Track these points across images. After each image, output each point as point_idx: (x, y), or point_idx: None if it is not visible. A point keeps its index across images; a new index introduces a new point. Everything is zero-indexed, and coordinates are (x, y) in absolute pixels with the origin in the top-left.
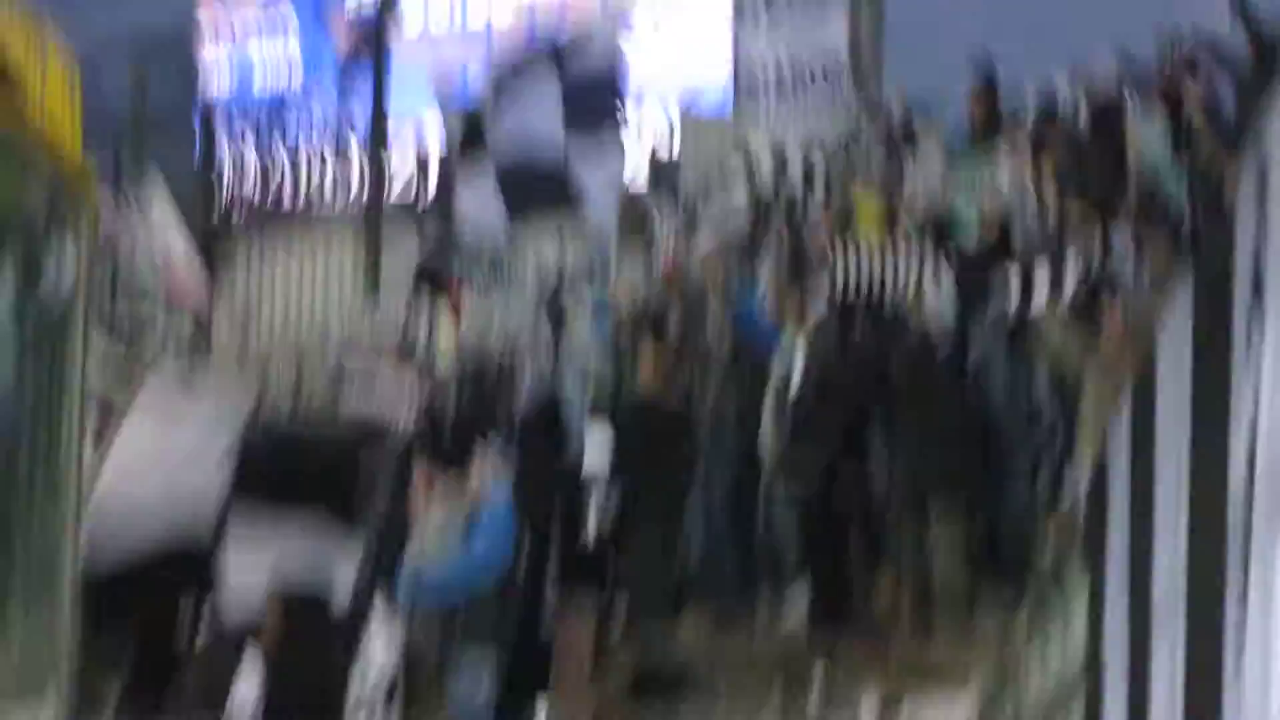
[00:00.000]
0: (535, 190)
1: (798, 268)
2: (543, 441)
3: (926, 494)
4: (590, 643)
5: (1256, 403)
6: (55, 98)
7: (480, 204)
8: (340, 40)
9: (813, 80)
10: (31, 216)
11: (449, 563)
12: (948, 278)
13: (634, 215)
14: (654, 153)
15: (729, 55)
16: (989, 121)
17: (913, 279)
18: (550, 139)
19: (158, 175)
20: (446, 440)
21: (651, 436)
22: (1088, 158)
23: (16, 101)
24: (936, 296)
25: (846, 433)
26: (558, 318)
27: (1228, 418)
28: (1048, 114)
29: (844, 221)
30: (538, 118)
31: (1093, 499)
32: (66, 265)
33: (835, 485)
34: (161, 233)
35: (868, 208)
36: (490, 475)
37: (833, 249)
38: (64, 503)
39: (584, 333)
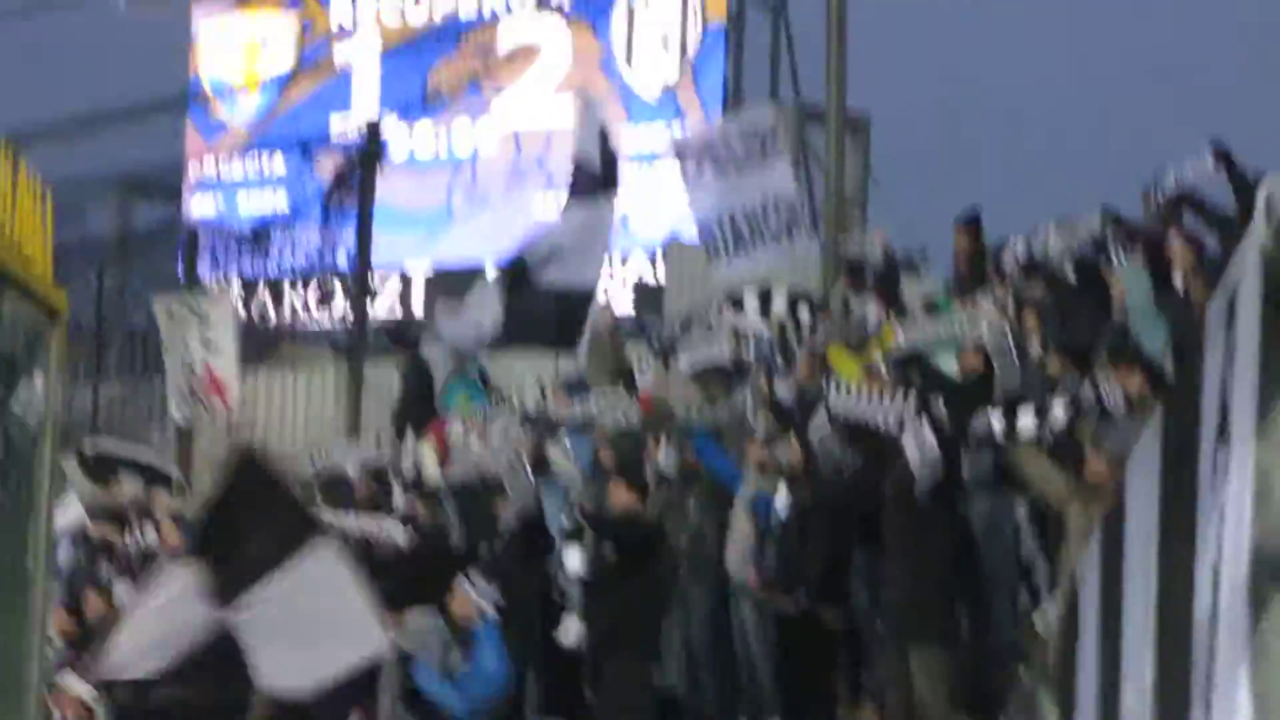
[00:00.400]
0: (546, 324)
1: (776, 414)
2: (525, 562)
3: (909, 623)
4: None
5: (1220, 533)
6: (26, 227)
7: (467, 329)
8: (325, 166)
9: (769, 230)
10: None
11: (443, 690)
12: (930, 414)
13: (613, 339)
14: (639, 279)
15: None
16: (973, 260)
17: (893, 418)
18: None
19: (227, 290)
20: (431, 566)
21: (628, 551)
22: (1071, 308)
23: None
24: (919, 433)
25: (830, 562)
26: (539, 442)
27: (1193, 546)
28: (1033, 264)
29: (823, 366)
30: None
31: (1064, 626)
32: (35, 392)
33: (817, 611)
34: (218, 335)
35: (845, 363)
36: (480, 602)
37: (816, 383)
38: (28, 618)
39: (566, 456)
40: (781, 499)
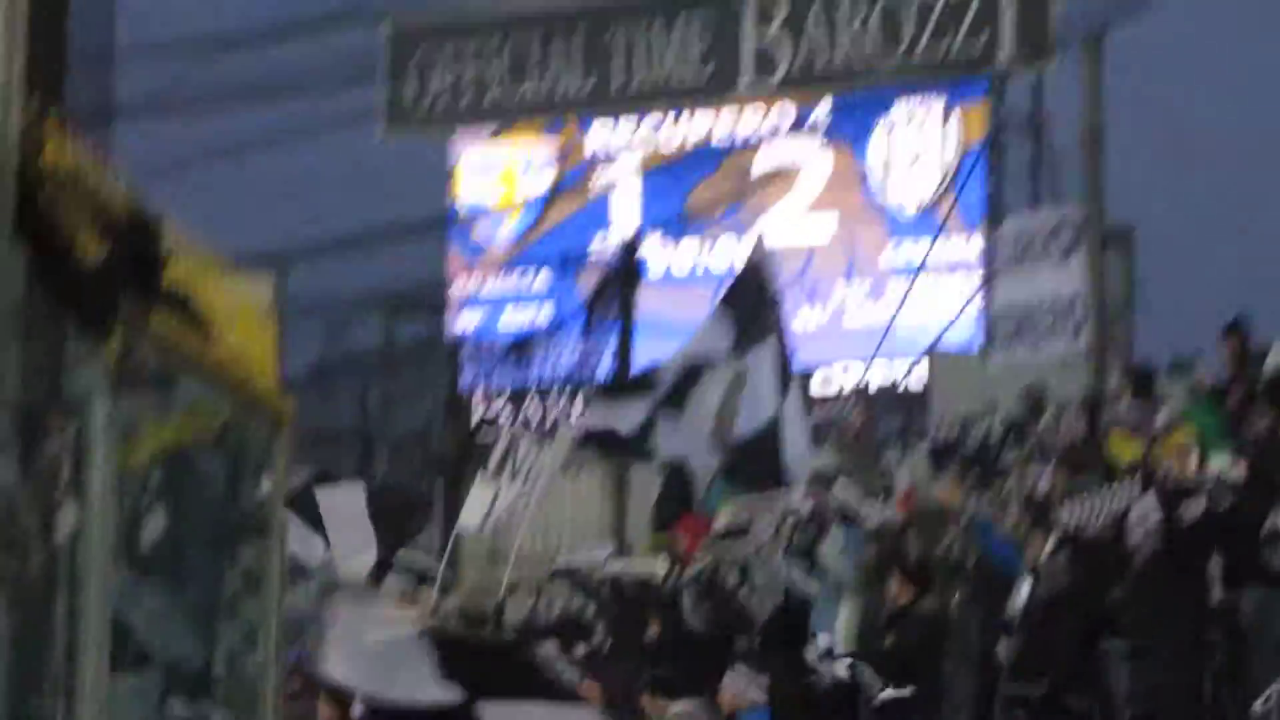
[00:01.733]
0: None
1: (1036, 506)
2: (789, 651)
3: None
4: None
5: None
6: (249, 341)
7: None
8: (586, 280)
9: (1055, 329)
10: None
11: None
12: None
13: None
14: (903, 385)
15: (978, 301)
16: (1239, 364)
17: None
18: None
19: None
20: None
21: (912, 646)
22: None
23: (203, 341)
24: (1143, 506)
25: (1078, 649)
26: (805, 534)
27: None
28: None
29: (1078, 464)
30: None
31: None
32: (264, 495)
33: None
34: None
35: (1126, 447)
36: (749, 692)
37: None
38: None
39: (835, 550)
40: (1026, 586)
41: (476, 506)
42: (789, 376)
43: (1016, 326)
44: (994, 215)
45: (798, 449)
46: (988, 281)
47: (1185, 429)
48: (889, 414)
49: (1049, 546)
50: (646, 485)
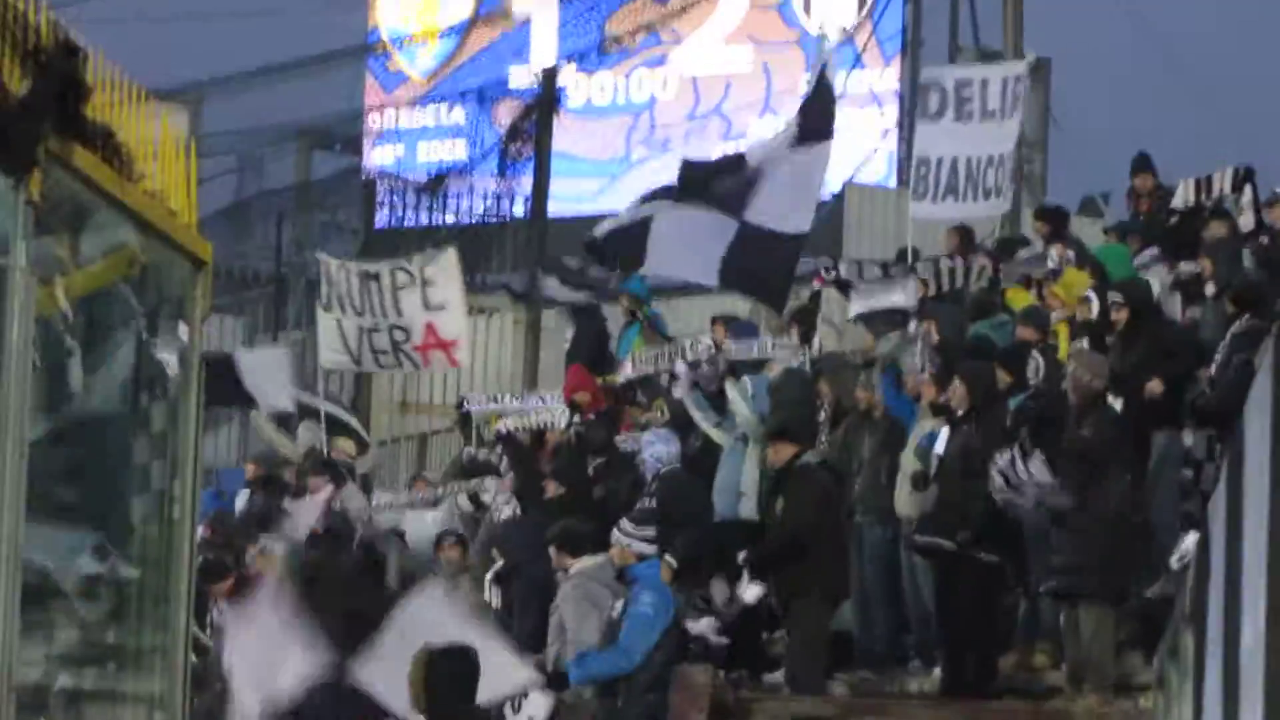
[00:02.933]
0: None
1: (944, 356)
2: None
3: (1077, 585)
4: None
5: None
6: (170, 180)
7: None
8: (502, 115)
9: (984, 188)
10: (140, 288)
11: (605, 658)
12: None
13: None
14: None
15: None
16: (1151, 201)
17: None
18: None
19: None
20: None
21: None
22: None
23: (129, 178)
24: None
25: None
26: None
27: None
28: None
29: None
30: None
31: (1199, 564)
32: (181, 338)
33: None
34: (446, 294)
35: (1021, 298)
36: (639, 546)
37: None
38: (176, 562)
39: (744, 398)
40: (943, 439)
41: (328, 341)
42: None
43: (943, 181)
44: (912, 46)
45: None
46: (909, 121)
47: (1074, 274)
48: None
49: (961, 395)
50: (557, 332)
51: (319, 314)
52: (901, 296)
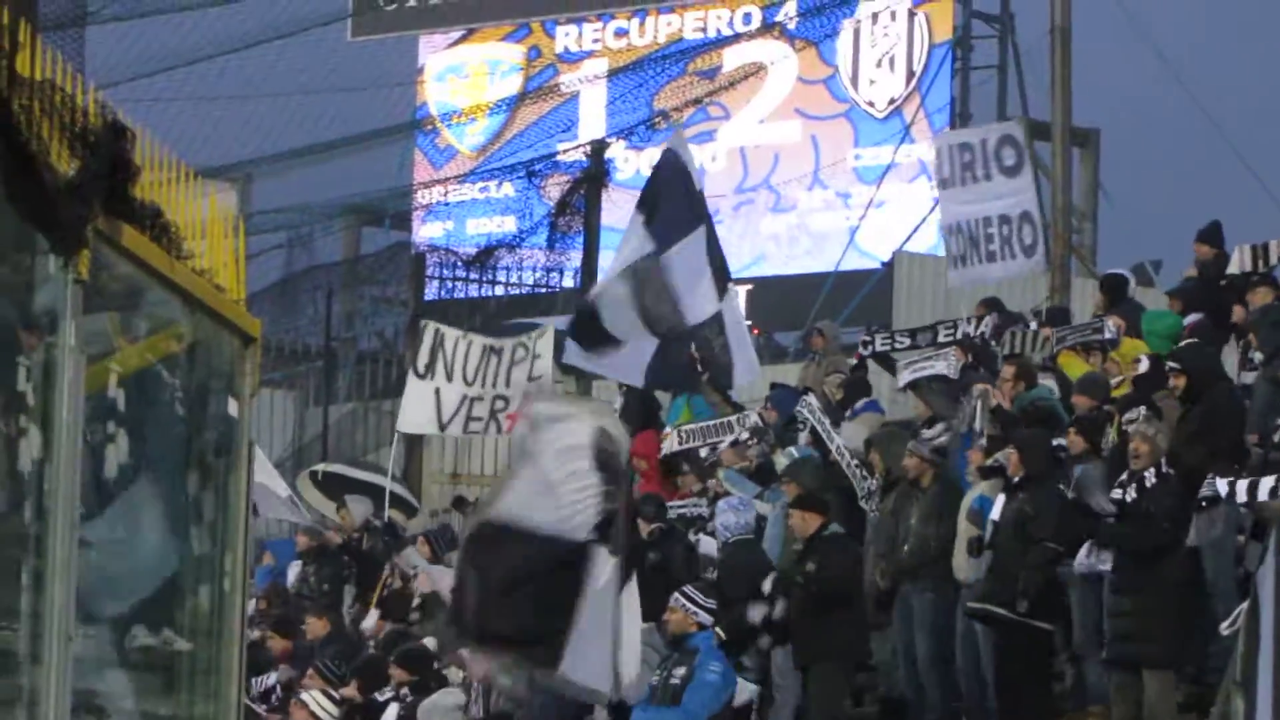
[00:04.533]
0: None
1: (1000, 422)
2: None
3: (1141, 651)
4: None
5: None
6: (219, 258)
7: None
8: (551, 189)
9: (1008, 248)
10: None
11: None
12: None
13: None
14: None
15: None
16: (1215, 265)
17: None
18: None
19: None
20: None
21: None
22: None
23: (177, 256)
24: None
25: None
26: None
27: None
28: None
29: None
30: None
31: (1249, 631)
32: (230, 415)
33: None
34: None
35: (1075, 366)
36: (697, 614)
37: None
38: (227, 633)
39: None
40: (999, 507)
41: (416, 406)
42: (724, 272)
43: (967, 244)
44: (961, 117)
45: (745, 355)
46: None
47: (1133, 343)
48: (856, 320)
49: (1015, 462)
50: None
51: (410, 380)
52: (944, 365)
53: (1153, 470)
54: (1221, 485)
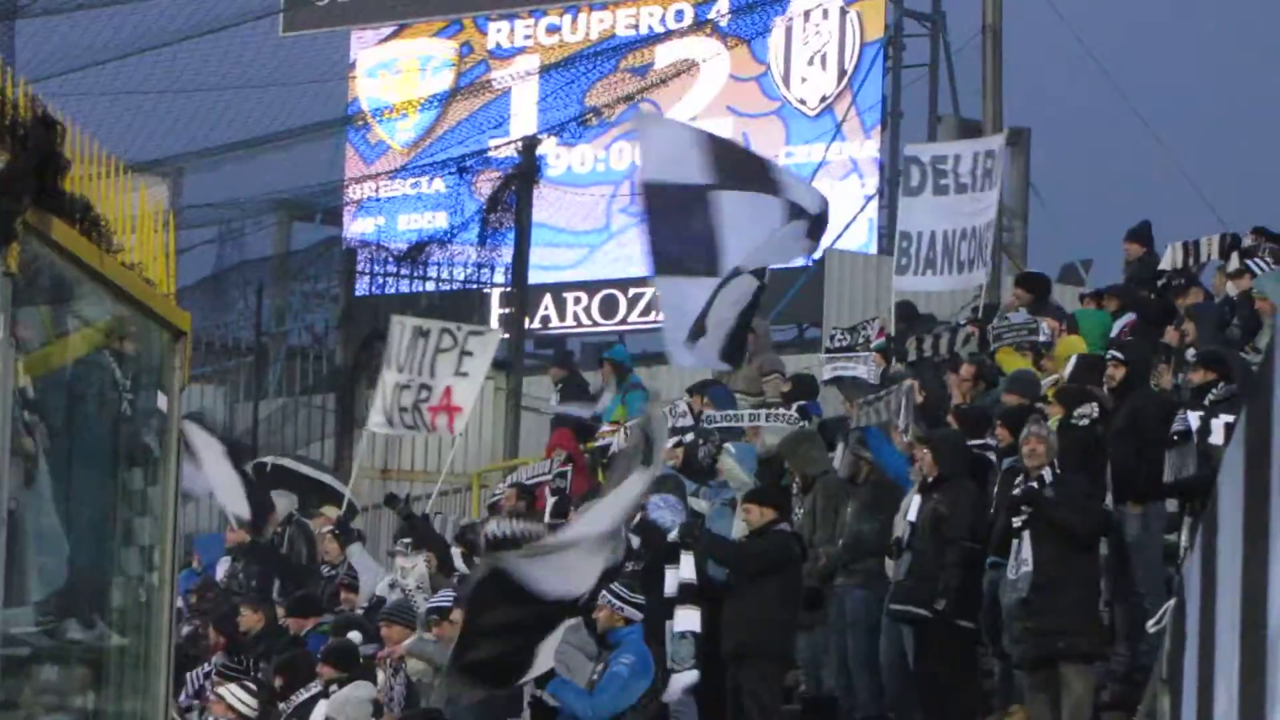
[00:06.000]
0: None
1: (926, 419)
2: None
3: (1059, 648)
4: None
5: None
6: (149, 252)
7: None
8: (483, 185)
9: (970, 260)
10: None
11: (579, 697)
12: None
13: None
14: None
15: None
16: (1144, 264)
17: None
18: None
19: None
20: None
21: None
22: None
23: (108, 250)
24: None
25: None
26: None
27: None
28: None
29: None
30: None
31: (1174, 628)
32: (160, 408)
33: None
34: (476, 365)
35: (1013, 362)
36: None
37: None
38: (155, 627)
39: (738, 465)
40: (914, 507)
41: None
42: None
43: (923, 255)
44: (893, 115)
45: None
46: (890, 190)
47: (1071, 341)
48: (787, 318)
49: (929, 463)
50: (540, 399)
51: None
52: (864, 370)
53: (1048, 469)
54: (1193, 419)
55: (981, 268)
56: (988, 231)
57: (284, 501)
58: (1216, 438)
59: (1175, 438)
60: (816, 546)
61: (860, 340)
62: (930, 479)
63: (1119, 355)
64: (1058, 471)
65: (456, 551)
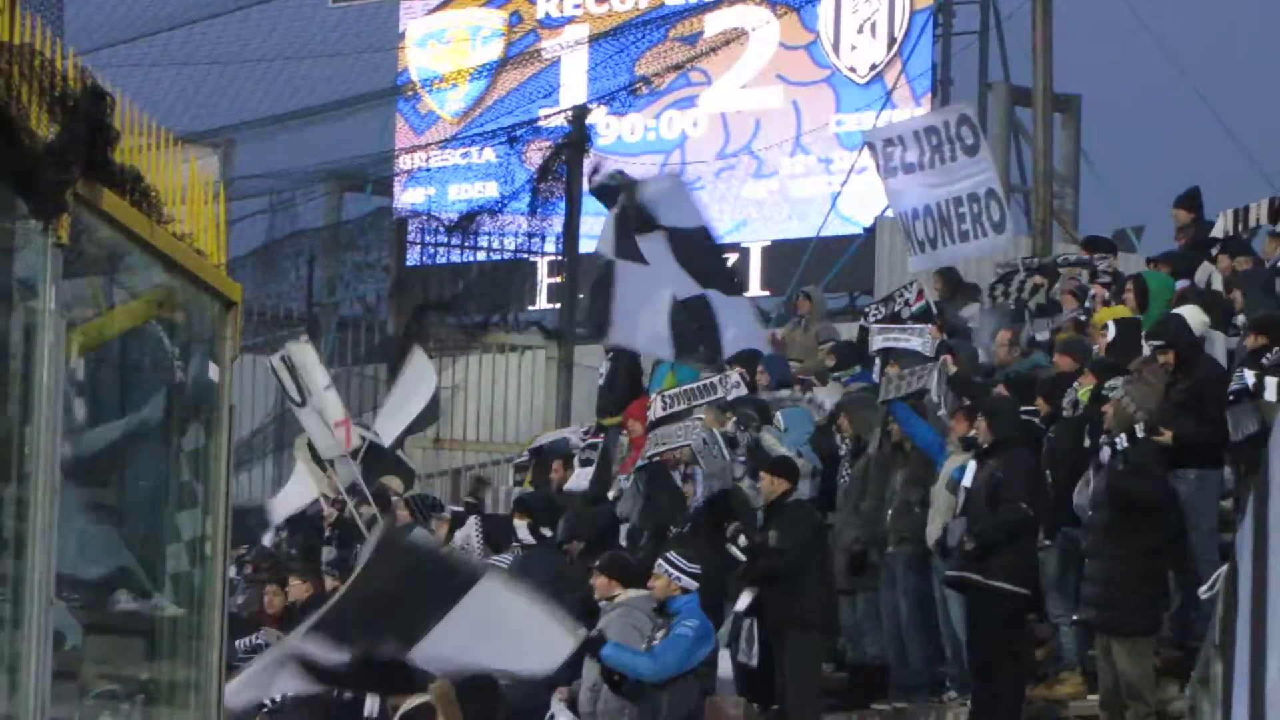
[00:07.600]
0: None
1: (966, 390)
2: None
3: (1112, 620)
4: None
5: None
6: (200, 223)
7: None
8: (533, 155)
9: (976, 228)
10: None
11: (637, 658)
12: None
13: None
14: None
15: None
16: (1195, 231)
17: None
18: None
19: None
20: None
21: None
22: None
23: (158, 221)
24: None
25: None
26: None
27: None
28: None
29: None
30: None
31: (1228, 597)
32: (211, 378)
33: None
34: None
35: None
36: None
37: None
38: (208, 594)
39: (778, 436)
40: (970, 473)
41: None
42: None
43: (938, 227)
44: (943, 83)
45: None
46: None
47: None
48: (838, 286)
49: (984, 429)
50: (591, 369)
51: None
52: (919, 343)
53: (1124, 435)
54: (1249, 376)
55: (1003, 232)
56: (991, 200)
57: (346, 471)
58: (1270, 394)
59: (1232, 397)
60: (853, 510)
61: (900, 307)
62: (985, 445)
63: (1160, 343)
64: (1139, 436)
65: (521, 523)
